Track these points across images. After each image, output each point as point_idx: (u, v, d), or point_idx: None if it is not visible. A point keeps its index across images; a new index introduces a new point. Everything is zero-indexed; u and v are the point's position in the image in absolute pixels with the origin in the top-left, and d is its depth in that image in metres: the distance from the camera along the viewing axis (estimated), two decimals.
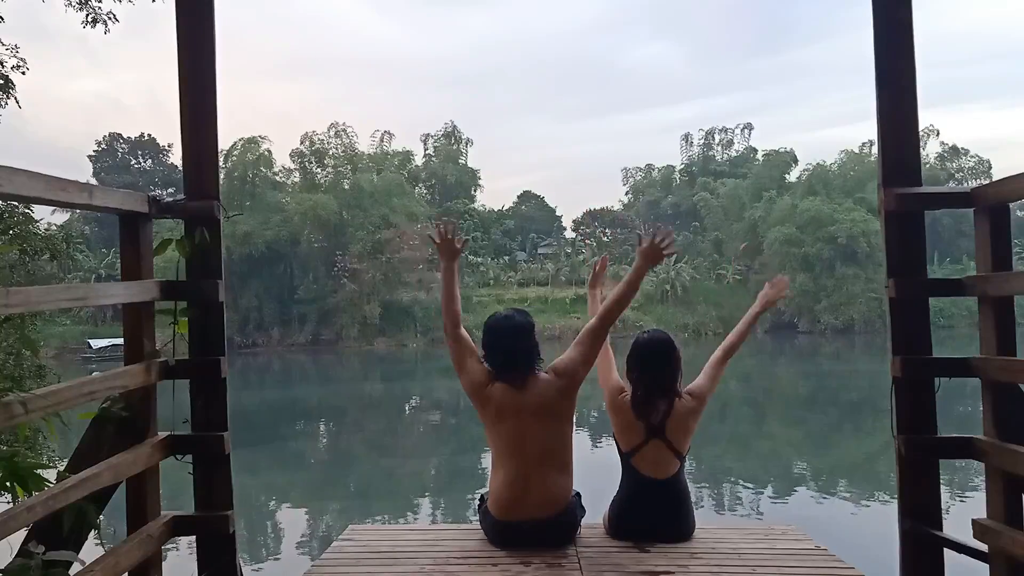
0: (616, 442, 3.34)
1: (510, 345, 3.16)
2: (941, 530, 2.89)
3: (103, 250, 50.73)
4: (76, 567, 2.33)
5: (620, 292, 3.19)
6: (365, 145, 55.88)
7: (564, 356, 3.20)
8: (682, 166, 66.99)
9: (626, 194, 70.92)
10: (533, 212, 69.09)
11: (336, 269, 48.52)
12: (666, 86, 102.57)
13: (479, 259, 56.34)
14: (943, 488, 2.99)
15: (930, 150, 57.00)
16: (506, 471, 3.13)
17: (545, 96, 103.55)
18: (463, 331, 3.27)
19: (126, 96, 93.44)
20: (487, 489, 3.29)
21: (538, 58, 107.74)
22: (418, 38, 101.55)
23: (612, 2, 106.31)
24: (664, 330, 3.56)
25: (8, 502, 2.16)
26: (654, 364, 3.27)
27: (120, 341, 3.13)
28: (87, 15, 8.13)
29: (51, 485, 2.27)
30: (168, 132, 62.82)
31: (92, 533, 2.55)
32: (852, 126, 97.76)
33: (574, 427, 3.37)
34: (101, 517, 2.65)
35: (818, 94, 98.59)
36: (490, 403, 3.14)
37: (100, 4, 8.14)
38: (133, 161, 63.43)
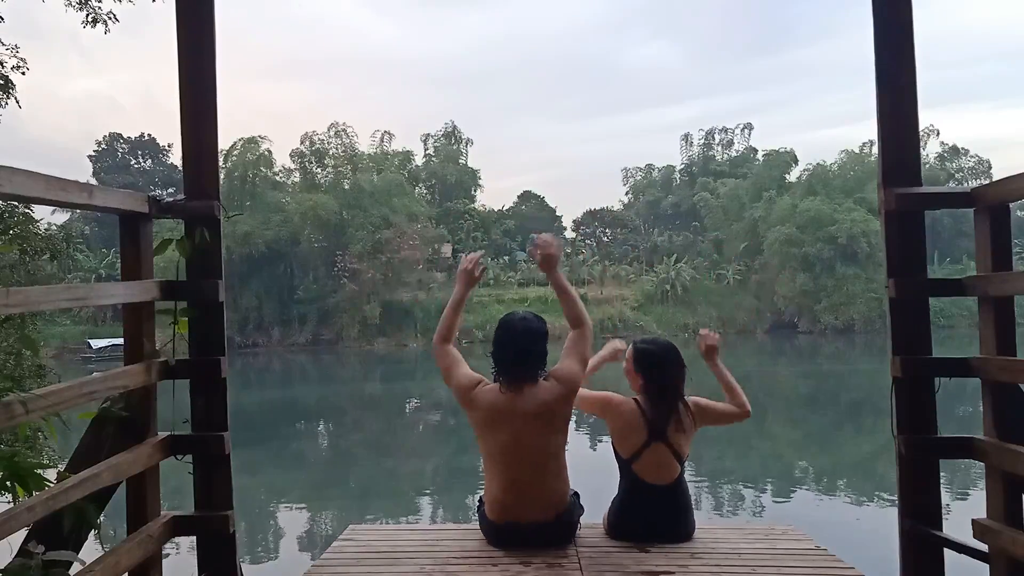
0: (615, 449, 3.34)
1: (524, 346, 3.14)
2: (941, 530, 2.89)
3: (103, 250, 50.69)
4: (76, 567, 2.33)
5: (563, 302, 3.28)
6: (365, 145, 55.85)
7: (561, 365, 3.18)
8: (682, 166, 66.78)
9: (626, 194, 70.80)
10: (533, 212, 68.92)
11: (336, 269, 48.47)
12: (666, 86, 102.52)
13: None
14: (943, 488, 2.99)
15: (930, 150, 56.94)
16: (501, 477, 3.11)
17: (545, 96, 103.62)
18: (451, 346, 3.30)
19: (121, 95, 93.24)
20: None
21: (538, 58, 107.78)
22: (417, 38, 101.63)
23: (612, 2, 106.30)
24: (663, 336, 3.55)
25: (8, 502, 2.16)
26: (665, 372, 3.29)
27: (120, 341, 3.13)
28: (87, 15, 8.13)
29: (51, 485, 2.27)
30: (164, 131, 62.85)
31: (92, 533, 2.55)
32: (852, 126, 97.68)
33: (574, 427, 3.38)
34: (101, 517, 2.65)
35: (818, 94, 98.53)
36: (478, 407, 3.12)
37: (100, 4, 8.15)
38: (133, 161, 63.34)
